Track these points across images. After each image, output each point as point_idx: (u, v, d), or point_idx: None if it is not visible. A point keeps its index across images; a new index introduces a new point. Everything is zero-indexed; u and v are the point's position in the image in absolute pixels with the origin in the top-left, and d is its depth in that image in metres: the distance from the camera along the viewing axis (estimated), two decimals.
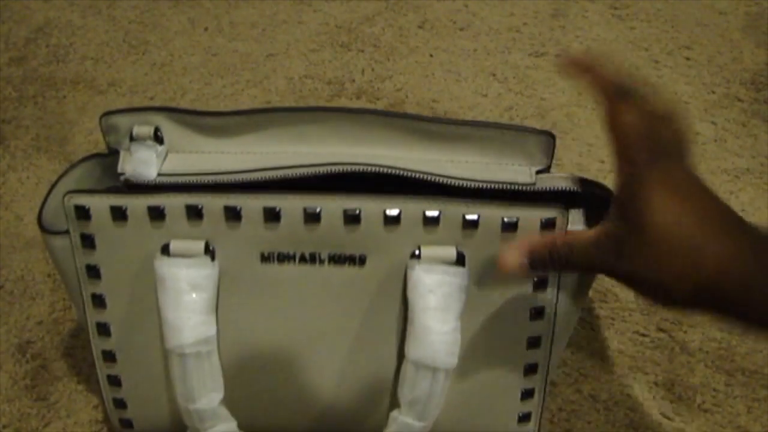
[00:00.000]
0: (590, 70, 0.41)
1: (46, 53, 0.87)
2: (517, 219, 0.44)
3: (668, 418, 0.57)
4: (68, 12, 0.92)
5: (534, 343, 0.48)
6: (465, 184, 0.45)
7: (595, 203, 0.45)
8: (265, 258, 0.45)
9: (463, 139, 0.46)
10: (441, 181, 0.45)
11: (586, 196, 0.46)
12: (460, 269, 0.44)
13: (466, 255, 0.44)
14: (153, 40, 0.88)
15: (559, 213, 0.44)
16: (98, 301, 0.47)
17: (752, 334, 0.38)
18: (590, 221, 0.46)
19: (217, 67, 0.84)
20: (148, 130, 0.46)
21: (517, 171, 0.46)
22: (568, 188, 0.46)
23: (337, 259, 0.45)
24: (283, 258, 0.45)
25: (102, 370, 0.50)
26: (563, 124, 0.78)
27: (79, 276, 0.47)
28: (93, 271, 0.46)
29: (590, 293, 0.56)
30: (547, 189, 0.46)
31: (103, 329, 0.48)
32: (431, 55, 0.86)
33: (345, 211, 0.44)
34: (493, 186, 0.45)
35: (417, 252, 0.44)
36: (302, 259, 0.45)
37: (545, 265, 0.41)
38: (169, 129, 0.47)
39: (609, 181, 0.43)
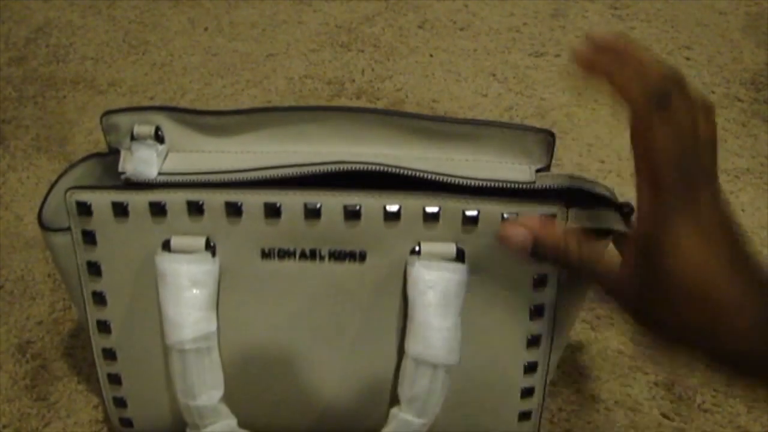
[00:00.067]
0: (615, 66, 0.33)
1: (46, 53, 0.87)
2: (517, 215, 0.44)
3: (668, 418, 0.57)
4: (68, 12, 0.92)
5: (534, 341, 0.48)
6: (465, 183, 0.45)
7: (595, 202, 0.45)
8: (266, 254, 0.45)
9: (463, 137, 0.46)
10: (441, 179, 0.45)
11: (586, 194, 0.46)
12: (459, 265, 0.44)
13: (465, 251, 0.44)
14: (153, 40, 0.88)
15: (559, 210, 0.44)
16: (99, 298, 0.47)
17: (741, 383, 0.36)
18: (590, 220, 0.46)
19: (217, 67, 0.85)
20: (149, 129, 0.46)
21: (517, 169, 0.46)
22: (568, 186, 0.46)
23: (337, 256, 0.45)
24: (284, 254, 0.45)
25: (102, 368, 0.49)
26: (563, 124, 0.78)
27: (80, 273, 0.47)
28: (94, 268, 0.46)
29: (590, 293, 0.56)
30: (547, 187, 0.46)
31: (104, 327, 0.48)
32: (431, 55, 0.86)
33: (345, 207, 0.44)
34: (493, 184, 0.45)
35: (417, 248, 0.44)
36: (302, 255, 0.45)
37: (546, 256, 0.39)
38: (170, 128, 0.47)
39: (609, 181, 0.43)
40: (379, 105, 0.80)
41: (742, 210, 0.71)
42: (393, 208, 0.44)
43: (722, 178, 0.72)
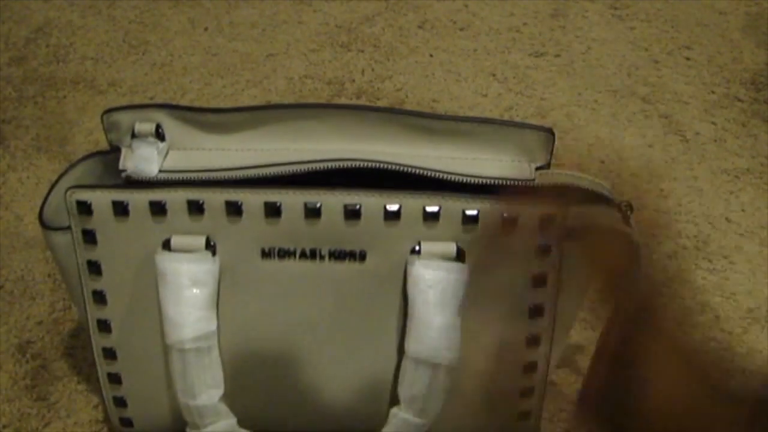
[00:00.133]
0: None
1: (46, 53, 0.87)
2: (517, 214, 0.44)
3: None
4: (68, 12, 0.92)
5: (533, 340, 0.48)
6: (465, 180, 0.45)
7: (595, 201, 0.45)
8: (266, 254, 0.45)
9: (463, 135, 0.46)
10: (441, 177, 0.45)
11: (585, 193, 0.46)
12: (459, 265, 0.44)
13: (465, 251, 0.44)
14: (153, 40, 0.88)
15: (559, 209, 0.44)
16: (99, 297, 0.47)
17: None
18: (589, 219, 0.46)
19: (217, 67, 0.85)
20: (150, 127, 0.46)
21: (517, 167, 0.46)
22: (567, 185, 0.46)
23: (337, 255, 0.45)
24: (284, 254, 0.45)
25: (102, 367, 0.49)
26: (563, 124, 0.78)
27: (80, 272, 0.47)
28: (94, 267, 0.46)
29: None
30: (547, 185, 0.46)
31: (104, 326, 0.48)
32: (431, 55, 0.86)
33: (345, 207, 0.44)
34: (493, 182, 0.45)
35: (417, 247, 0.44)
36: (303, 254, 0.45)
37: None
38: (171, 126, 0.47)
39: (609, 181, 0.43)
40: (379, 105, 0.80)
41: (743, 210, 0.71)
42: (393, 207, 0.44)
43: (722, 178, 0.73)
